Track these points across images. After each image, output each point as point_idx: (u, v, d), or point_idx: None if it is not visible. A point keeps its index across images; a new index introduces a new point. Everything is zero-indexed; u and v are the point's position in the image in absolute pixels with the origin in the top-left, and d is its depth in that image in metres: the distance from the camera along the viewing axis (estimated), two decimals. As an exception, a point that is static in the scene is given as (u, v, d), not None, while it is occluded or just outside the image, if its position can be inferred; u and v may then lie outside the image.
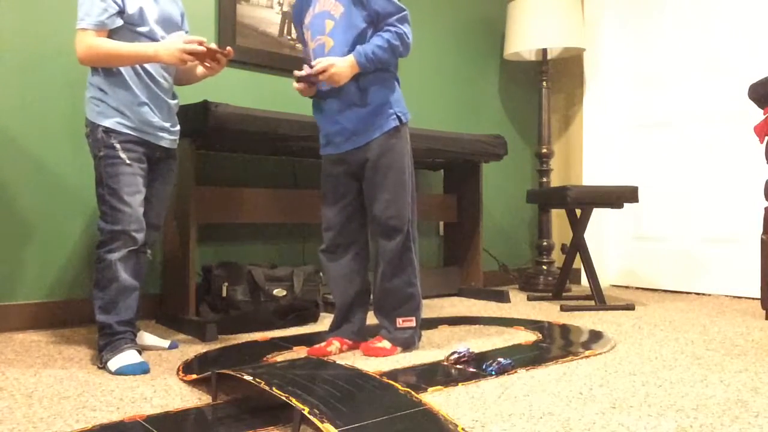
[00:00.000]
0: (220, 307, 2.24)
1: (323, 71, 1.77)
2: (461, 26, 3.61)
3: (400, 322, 1.91)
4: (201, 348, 1.97)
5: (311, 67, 1.81)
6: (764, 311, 2.54)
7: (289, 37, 2.90)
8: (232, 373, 1.39)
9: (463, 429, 1.18)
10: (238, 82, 2.76)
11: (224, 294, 2.22)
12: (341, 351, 1.89)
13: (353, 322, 1.96)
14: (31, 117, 2.27)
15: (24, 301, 2.24)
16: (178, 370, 1.68)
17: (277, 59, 2.86)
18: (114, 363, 1.68)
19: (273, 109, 2.48)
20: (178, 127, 1.96)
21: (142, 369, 1.67)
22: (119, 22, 1.76)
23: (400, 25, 1.84)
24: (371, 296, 1.98)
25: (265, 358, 1.82)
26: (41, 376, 1.62)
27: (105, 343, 1.74)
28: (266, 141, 2.36)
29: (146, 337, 1.97)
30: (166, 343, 1.98)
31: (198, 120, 2.17)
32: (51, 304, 2.29)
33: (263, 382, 1.30)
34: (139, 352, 1.76)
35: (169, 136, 1.90)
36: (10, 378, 1.61)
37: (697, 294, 3.25)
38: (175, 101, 1.94)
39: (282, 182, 2.84)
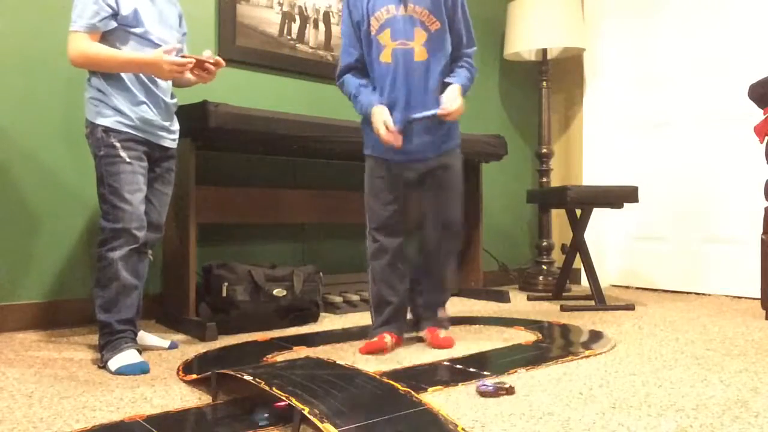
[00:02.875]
0: (220, 307, 2.24)
1: (449, 114, 1.87)
2: (461, 26, 3.61)
3: (441, 312, 2.08)
4: (201, 348, 1.97)
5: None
6: (764, 311, 2.54)
7: (289, 37, 2.90)
8: (232, 373, 1.39)
9: (463, 429, 1.18)
10: (238, 82, 2.76)
11: (224, 294, 2.22)
12: (393, 347, 1.94)
13: (401, 320, 2.02)
14: (32, 118, 2.27)
15: (24, 301, 2.24)
16: (178, 370, 1.68)
17: (277, 59, 2.86)
18: (114, 362, 1.68)
19: (273, 109, 2.48)
20: (177, 127, 1.97)
21: (141, 369, 1.67)
22: (112, 24, 1.76)
23: (472, 64, 2.00)
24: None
25: (265, 358, 1.82)
26: (41, 376, 1.62)
27: (105, 342, 1.74)
28: (266, 141, 2.36)
29: (147, 337, 1.97)
30: (166, 343, 1.98)
31: (198, 120, 2.17)
32: (51, 304, 2.28)
33: (263, 382, 1.30)
34: (139, 352, 1.75)
35: (168, 135, 1.91)
36: (10, 378, 1.61)
37: (697, 294, 3.25)
38: (174, 101, 1.94)
39: (282, 182, 2.84)
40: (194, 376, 1.57)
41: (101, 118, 1.77)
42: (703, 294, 3.24)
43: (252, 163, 2.78)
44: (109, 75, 1.78)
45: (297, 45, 2.93)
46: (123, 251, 1.76)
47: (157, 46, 1.80)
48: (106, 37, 1.77)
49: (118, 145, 1.77)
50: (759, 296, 2.60)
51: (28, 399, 1.43)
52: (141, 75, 1.80)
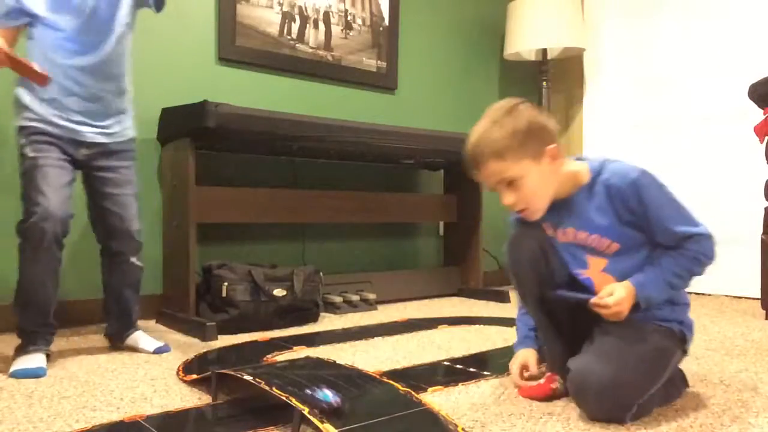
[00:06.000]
0: (220, 307, 2.24)
1: (604, 308, 1.32)
2: (461, 26, 3.61)
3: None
4: (201, 348, 1.97)
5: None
6: (764, 311, 2.54)
7: (289, 37, 2.90)
8: (232, 373, 1.39)
9: (463, 429, 1.18)
10: (238, 82, 2.76)
11: (224, 294, 2.22)
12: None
13: None
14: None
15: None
16: (178, 370, 1.68)
17: (277, 59, 2.86)
18: (13, 365, 1.66)
19: (273, 109, 2.48)
20: (120, 124, 1.86)
21: (35, 374, 1.62)
22: (23, 20, 1.69)
23: (697, 246, 1.34)
24: None
25: (265, 358, 1.82)
26: (42, 377, 1.62)
27: (19, 343, 1.73)
28: (266, 141, 2.36)
29: (139, 339, 1.94)
30: (152, 347, 1.91)
31: (198, 120, 2.17)
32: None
33: (263, 382, 1.30)
34: (48, 356, 1.72)
35: (93, 131, 1.79)
36: (10, 378, 1.61)
37: (697, 294, 3.25)
38: (113, 95, 1.83)
39: (282, 182, 2.84)
40: (194, 376, 1.57)
41: (18, 117, 1.74)
42: (703, 294, 3.24)
43: (252, 163, 2.78)
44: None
45: (297, 45, 2.92)
46: (31, 250, 1.69)
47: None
48: (30, 32, 1.71)
49: (25, 141, 1.72)
50: (759, 296, 2.60)
51: (28, 399, 1.43)
52: (53, 69, 1.68)
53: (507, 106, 1.34)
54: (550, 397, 1.42)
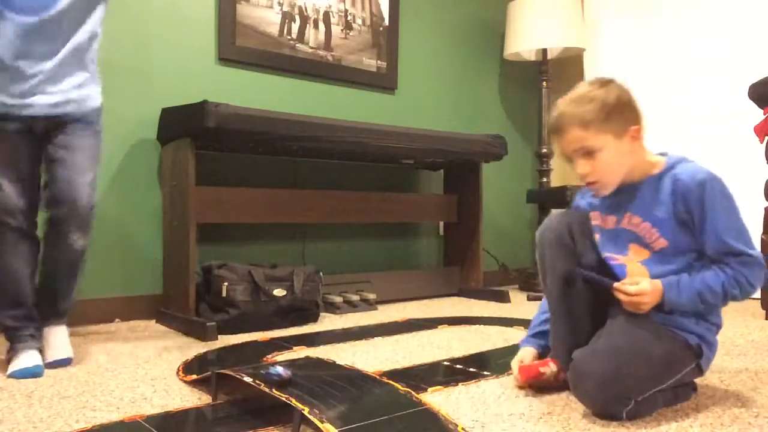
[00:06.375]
0: (220, 307, 2.24)
1: (624, 294, 1.32)
2: (461, 26, 3.61)
3: None
4: (201, 348, 1.97)
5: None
6: (764, 311, 2.54)
7: (289, 37, 2.90)
8: (232, 373, 1.39)
9: (463, 429, 1.18)
10: (238, 82, 2.76)
11: (224, 294, 2.22)
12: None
13: None
14: None
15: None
16: (178, 370, 1.68)
17: (277, 59, 2.86)
18: (10, 366, 1.63)
19: (273, 109, 2.48)
20: (71, 93, 1.70)
21: (34, 373, 1.61)
22: None
23: (742, 268, 1.30)
24: None
25: (265, 358, 1.82)
26: (41, 376, 1.62)
27: (8, 343, 1.71)
28: (266, 141, 2.36)
29: (50, 339, 1.76)
30: (54, 355, 1.72)
31: (198, 120, 2.17)
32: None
33: (263, 383, 1.30)
34: (40, 350, 1.69)
35: (34, 102, 1.65)
36: (10, 378, 1.61)
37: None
38: (54, 62, 1.67)
39: (282, 182, 2.84)
40: (194, 377, 1.57)
41: None
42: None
43: (252, 163, 2.78)
44: None
45: (297, 45, 2.92)
46: None
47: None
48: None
49: None
50: (759, 296, 2.60)
51: (28, 399, 1.43)
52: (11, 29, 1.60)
53: (600, 81, 1.39)
54: (536, 378, 1.45)
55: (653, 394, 1.29)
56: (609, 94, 1.35)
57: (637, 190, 1.40)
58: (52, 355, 1.72)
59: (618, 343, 1.31)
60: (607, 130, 1.33)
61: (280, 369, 1.35)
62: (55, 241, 1.70)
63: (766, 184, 2.53)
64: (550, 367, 1.45)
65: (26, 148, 1.70)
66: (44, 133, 1.70)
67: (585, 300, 1.43)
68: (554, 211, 1.53)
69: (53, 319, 1.78)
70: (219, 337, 2.10)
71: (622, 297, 1.32)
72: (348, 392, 1.32)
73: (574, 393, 1.33)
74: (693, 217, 1.32)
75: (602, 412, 1.27)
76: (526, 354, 1.55)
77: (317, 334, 2.22)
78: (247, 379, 1.33)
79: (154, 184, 2.54)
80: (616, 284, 1.34)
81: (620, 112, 1.35)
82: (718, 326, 1.40)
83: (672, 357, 1.33)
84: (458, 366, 1.73)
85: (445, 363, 1.78)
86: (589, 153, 1.34)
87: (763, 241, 2.53)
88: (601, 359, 1.28)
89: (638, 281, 1.32)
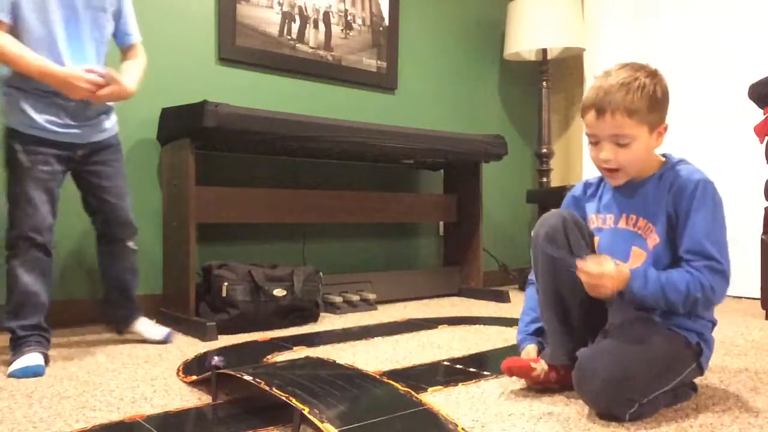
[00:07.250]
0: (220, 307, 2.24)
1: (583, 274, 1.30)
2: (461, 26, 3.61)
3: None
4: (201, 348, 1.97)
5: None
6: (764, 311, 2.54)
7: (289, 37, 2.90)
8: (232, 373, 1.39)
9: (463, 429, 1.18)
10: (238, 82, 2.76)
11: (224, 294, 2.22)
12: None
13: None
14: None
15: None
16: (178, 370, 1.68)
17: (277, 59, 2.86)
18: (11, 366, 1.65)
19: (273, 109, 2.48)
20: (109, 119, 1.91)
21: (34, 372, 1.62)
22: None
23: (708, 273, 1.28)
24: None
25: (265, 358, 1.82)
26: (42, 376, 1.62)
27: (11, 346, 1.73)
28: (266, 141, 2.36)
29: (143, 328, 2.03)
30: (160, 334, 2.02)
31: (197, 120, 2.17)
32: (51, 304, 2.28)
33: (263, 382, 1.30)
34: (45, 356, 1.72)
35: (77, 131, 1.80)
36: (10, 378, 1.61)
37: (697, 294, 3.25)
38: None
39: (282, 182, 2.84)
40: (194, 377, 1.57)
41: (10, 119, 1.74)
42: (703, 294, 3.23)
43: (252, 163, 2.78)
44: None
45: (297, 45, 2.92)
46: (23, 258, 1.73)
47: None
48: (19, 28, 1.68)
49: (19, 148, 1.73)
50: (759, 296, 2.60)
51: (28, 399, 1.43)
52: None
53: (650, 70, 1.39)
54: (526, 373, 1.44)
55: (656, 396, 1.29)
56: (657, 87, 1.37)
57: (639, 186, 1.41)
58: (160, 334, 2.01)
59: (624, 343, 1.31)
60: (646, 122, 1.34)
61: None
62: (117, 253, 1.98)
63: (766, 184, 2.53)
64: (541, 365, 1.44)
65: (61, 172, 1.82)
66: (80, 158, 1.85)
67: (579, 299, 1.41)
68: (551, 211, 1.52)
69: (137, 315, 2.04)
70: (219, 337, 2.11)
71: (582, 277, 1.30)
72: (348, 392, 1.32)
73: (578, 392, 1.32)
74: (678, 213, 1.33)
75: (605, 412, 1.27)
76: (531, 350, 1.53)
77: (317, 334, 2.22)
78: (248, 378, 1.33)
79: (154, 184, 2.54)
80: (579, 262, 1.30)
81: (661, 108, 1.38)
82: (713, 323, 1.41)
83: (675, 358, 1.33)
84: (458, 366, 1.73)
85: (445, 363, 1.78)
86: (621, 140, 1.33)
87: (763, 241, 2.53)
88: (607, 360, 1.27)
89: (603, 263, 1.29)
